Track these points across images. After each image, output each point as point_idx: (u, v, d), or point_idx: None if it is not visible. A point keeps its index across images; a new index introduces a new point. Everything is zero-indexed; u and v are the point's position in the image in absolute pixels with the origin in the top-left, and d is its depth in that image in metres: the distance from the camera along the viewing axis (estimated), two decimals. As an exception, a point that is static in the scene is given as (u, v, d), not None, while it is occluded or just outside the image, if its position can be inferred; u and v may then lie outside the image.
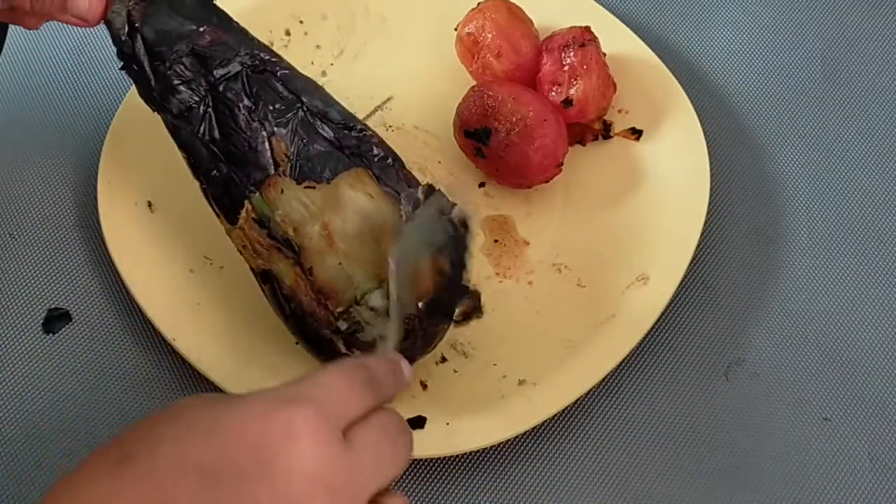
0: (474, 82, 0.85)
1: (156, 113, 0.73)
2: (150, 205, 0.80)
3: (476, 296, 0.71)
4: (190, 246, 0.79)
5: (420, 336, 0.70)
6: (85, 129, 0.86)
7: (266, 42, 0.89)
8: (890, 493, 0.75)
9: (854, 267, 0.83)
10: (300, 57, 0.89)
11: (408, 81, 0.89)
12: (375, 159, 0.73)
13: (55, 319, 0.78)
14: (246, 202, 0.71)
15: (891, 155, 0.88)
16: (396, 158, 0.74)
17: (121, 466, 0.49)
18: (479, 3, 0.86)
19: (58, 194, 0.83)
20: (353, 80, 0.89)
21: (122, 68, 0.72)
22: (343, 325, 0.70)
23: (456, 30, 0.86)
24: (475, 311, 0.71)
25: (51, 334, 0.78)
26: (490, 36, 0.84)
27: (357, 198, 0.71)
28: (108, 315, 0.79)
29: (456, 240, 0.70)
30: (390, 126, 0.87)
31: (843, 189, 0.87)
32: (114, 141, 0.82)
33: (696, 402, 0.78)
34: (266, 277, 0.72)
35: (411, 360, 0.70)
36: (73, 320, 0.79)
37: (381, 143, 0.74)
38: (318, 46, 0.90)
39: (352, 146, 0.72)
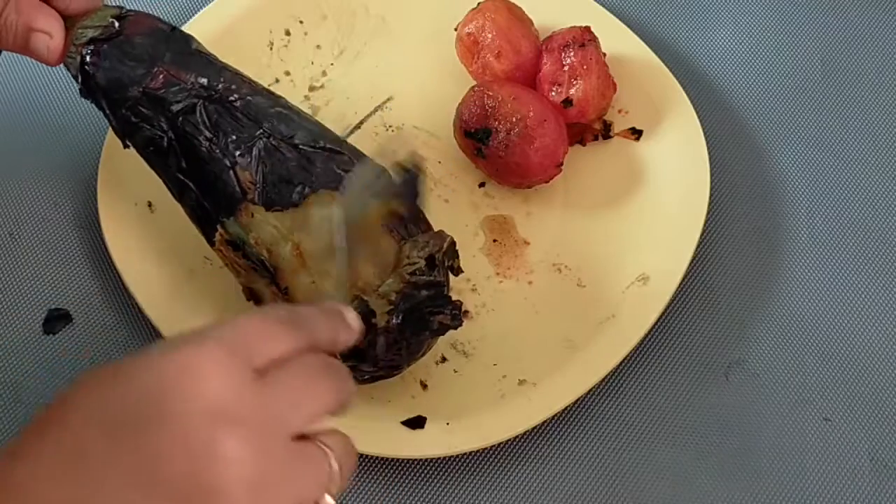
0: (474, 82, 0.85)
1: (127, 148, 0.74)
2: (150, 205, 0.80)
3: (456, 306, 0.70)
4: (190, 246, 0.79)
5: (404, 346, 0.70)
6: (85, 130, 0.86)
7: (266, 42, 0.89)
8: (890, 493, 0.75)
9: (854, 267, 0.83)
10: (300, 57, 0.89)
11: (408, 81, 0.89)
12: (348, 174, 0.72)
13: (55, 319, 0.78)
14: (218, 226, 0.71)
15: (891, 154, 0.88)
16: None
17: (41, 432, 0.49)
18: (479, 3, 0.86)
19: (57, 194, 0.83)
20: (353, 80, 0.89)
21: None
22: None
23: (456, 30, 0.86)
24: (454, 320, 0.70)
25: (51, 334, 0.78)
26: (490, 36, 0.84)
27: (323, 216, 0.70)
28: (108, 315, 0.79)
29: (408, 183, 0.69)
30: (390, 126, 0.87)
31: (843, 189, 0.87)
32: (114, 141, 0.81)
33: (696, 402, 0.78)
34: (251, 293, 0.73)
35: (399, 368, 0.71)
36: (73, 320, 0.79)
37: (351, 157, 0.73)
38: (318, 46, 0.90)
39: (322, 165, 0.71)
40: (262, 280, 0.71)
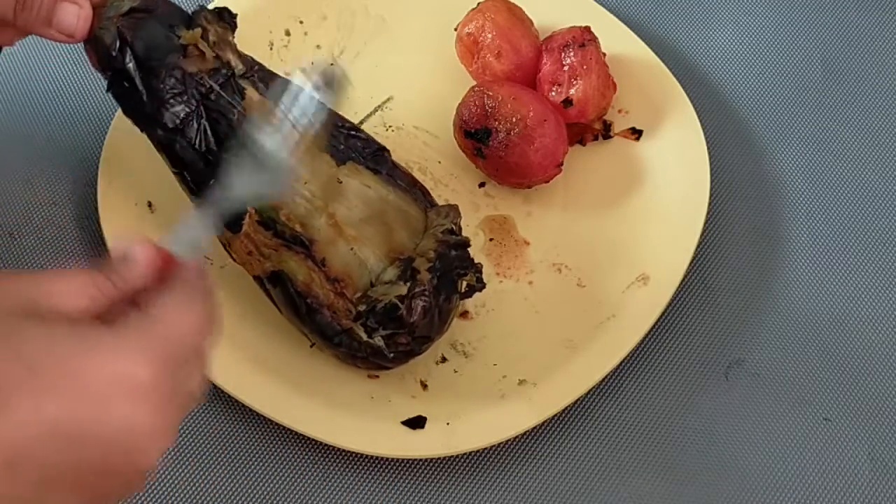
0: (474, 82, 0.85)
1: (144, 132, 0.73)
2: (150, 205, 0.80)
3: (478, 268, 0.73)
4: (190, 246, 0.79)
5: (436, 314, 0.72)
6: (85, 129, 0.86)
7: (266, 42, 0.89)
8: (890, 493, 0.75)
9: (854, 267, 0.83)
10: (300, 57, 0.89)
11: (408, 81, 0.89)
12: (366, 151, 0.75)
13: (55, 319, 0.78)
14: (248, 208, 0.71)
15: (891, 155, 0.88)
16: (384, 148, 0.76)
17: None
18: (479, 3, 0.86)
19: (58, 194, 0.83)
20: (353, 81, 0.89)
21: (108, 89, 0.72)
22: (362, 308, 0.71)
23: (456, 30, 0.86)
24: (479, 282, 0.74)
25: (51, 334, 0.78)
26: (490, 36, 0.84)
27: (355, 186, 0.73)
28: (108, 315, 0.79)
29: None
30: (390, 126, 0.87)
31: (843, 189, 0.87)
32: (114, 141, 0.82)
33: (696, 402, 0.78)
34: (276, 279, 0.72)
35: (428, 341, 0.73)
36: (73, 320, 0.78)
37: (368, 138, 0.76)
38: (318, 46, 0.90)
39: (344, 142, 0.74)
40: (297, 257, 0.71)
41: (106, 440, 0.48)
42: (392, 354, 0.72)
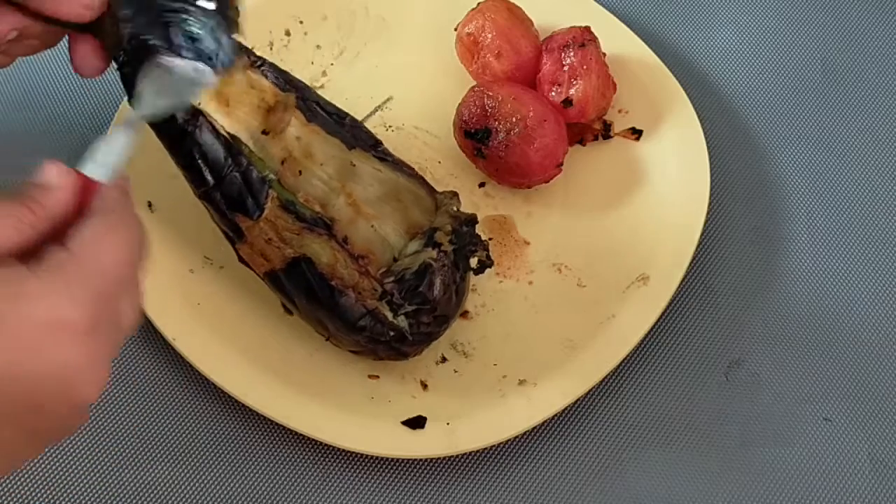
0: (474, 82, 0.85)
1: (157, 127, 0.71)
2: (150, 205, 0.80)
3: (486, 245, 0.75)
4: (190, 246, 0.79)
5: (454, 291, 0.73)
6: (85, 129, 0.86)
7: (266, 42, 0.89)
8: (890, 493, 0.75)
9: (854, 267, 0.83)
10: (300, 57, 0.89)
11: (408, 81, 0.89)
12: (370, 143, 0.76)
13: (55, 319, 0.78)
14: (270, 191, 0.71)
15: (891, 155, 0.88)
16: (380, 141, 0.78)
17: None
18: (479, 3, 0.86)
19: (58, 194, 0.83)
20: (353, 80, 0.89)
21: (120, 69, 0.70)
22: (389, 281, 0.72)
23: (456, 30, 0.86)
24: (488, 258, 0.75)
25: (51, 334, 0.78)
26: (490, 36, 0.84)
27: (368, 169, 0.75)
28: (108, 315, 0.79)
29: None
30: (390, 126, 0.87)
31: (843, 189, 0.87)
32: (114, 141, 0.82)
33: (696, 402, 0.78)
34: (295, 267, 0.71)
35: (447, 322, 0.74)
36: (73, 320, 0.78)
37: (368, 131, 0.78)
38: (318, 46, 0.90)
39: (349, 132, 0.76)
40: (320, 239, 0.72)
41: (39, 383, 0.48)
42: (412, 337, 0.72)
